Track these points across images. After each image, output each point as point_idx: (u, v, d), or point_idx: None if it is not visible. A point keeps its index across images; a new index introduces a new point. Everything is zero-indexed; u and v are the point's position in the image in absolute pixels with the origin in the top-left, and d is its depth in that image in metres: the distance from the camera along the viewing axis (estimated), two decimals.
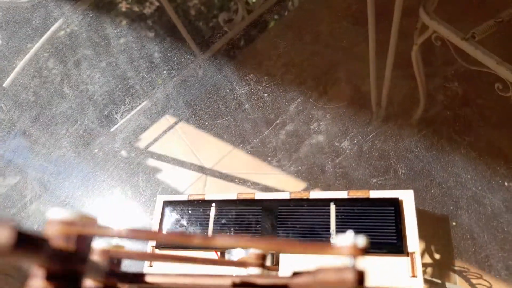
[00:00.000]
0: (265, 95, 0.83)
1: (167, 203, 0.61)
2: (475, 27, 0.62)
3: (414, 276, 0.48)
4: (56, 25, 1.00)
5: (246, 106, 0.83)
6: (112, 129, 0.79)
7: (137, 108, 0.86)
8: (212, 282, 0.29)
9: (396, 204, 0.52)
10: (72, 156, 0.79)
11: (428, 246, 0.62)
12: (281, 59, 0.91)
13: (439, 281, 0.61)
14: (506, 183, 0.59)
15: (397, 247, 0.50)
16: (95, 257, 0.29)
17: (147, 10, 1.14)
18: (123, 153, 0.78)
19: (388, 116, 0.77)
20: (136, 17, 1.11)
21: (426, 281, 0.62)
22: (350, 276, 0.22)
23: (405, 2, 0.71)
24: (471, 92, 0.72)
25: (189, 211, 0.60)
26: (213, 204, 0.59)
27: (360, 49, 0.87)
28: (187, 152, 0.86)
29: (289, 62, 0.90)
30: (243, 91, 0.85)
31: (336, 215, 0.54)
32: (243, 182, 0.79)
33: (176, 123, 0.88)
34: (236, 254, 0.55)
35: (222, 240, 0.23)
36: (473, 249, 0.55)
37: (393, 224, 0.51)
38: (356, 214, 0.53)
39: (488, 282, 0.58)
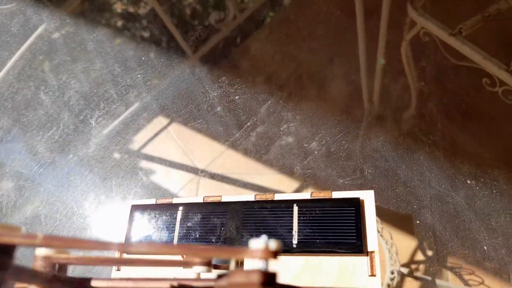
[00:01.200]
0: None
1: (135, 207, 0.61)
2: (463, 21, 0.62)
3: (373, 275, 0.49)
4: (36, 32, 1.01)
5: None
6: (87, 133, 0.81)
7: (116, 114, 0.87)
8: (151, 285, 0.30)
9: (357, 204, 0.53)
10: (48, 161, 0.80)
11: (411, 245, 0.62)
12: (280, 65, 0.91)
13: (429, 278, 0.62)
14: (468, 181, 0.60)
15: (357, 246, 0.51)
16: (38, 263, 0.30)
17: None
18: (96, 157, 0.80)
19: (381, 113, 0.76)
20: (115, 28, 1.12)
21: (416, 278, 0.62)
22: (256, 279, 0.23)
23: None
24: (438, 90, 0.73)
25: (157, 215, 0.61)
26: (180, 208, 0.60)
27: (350, 46, 0.86)
28: (175, 155, 0.86)
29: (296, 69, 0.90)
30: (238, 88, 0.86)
31: (299, 216, 0.54)
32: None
33: (166, 127, 0.89)
34: None
35: (134, 248, 0.24)
36: (435, 247, 0.56)
37: (354, 224, 0.52)
38: (317, 214, 0.54)
39: (480, 277, 0.59)
